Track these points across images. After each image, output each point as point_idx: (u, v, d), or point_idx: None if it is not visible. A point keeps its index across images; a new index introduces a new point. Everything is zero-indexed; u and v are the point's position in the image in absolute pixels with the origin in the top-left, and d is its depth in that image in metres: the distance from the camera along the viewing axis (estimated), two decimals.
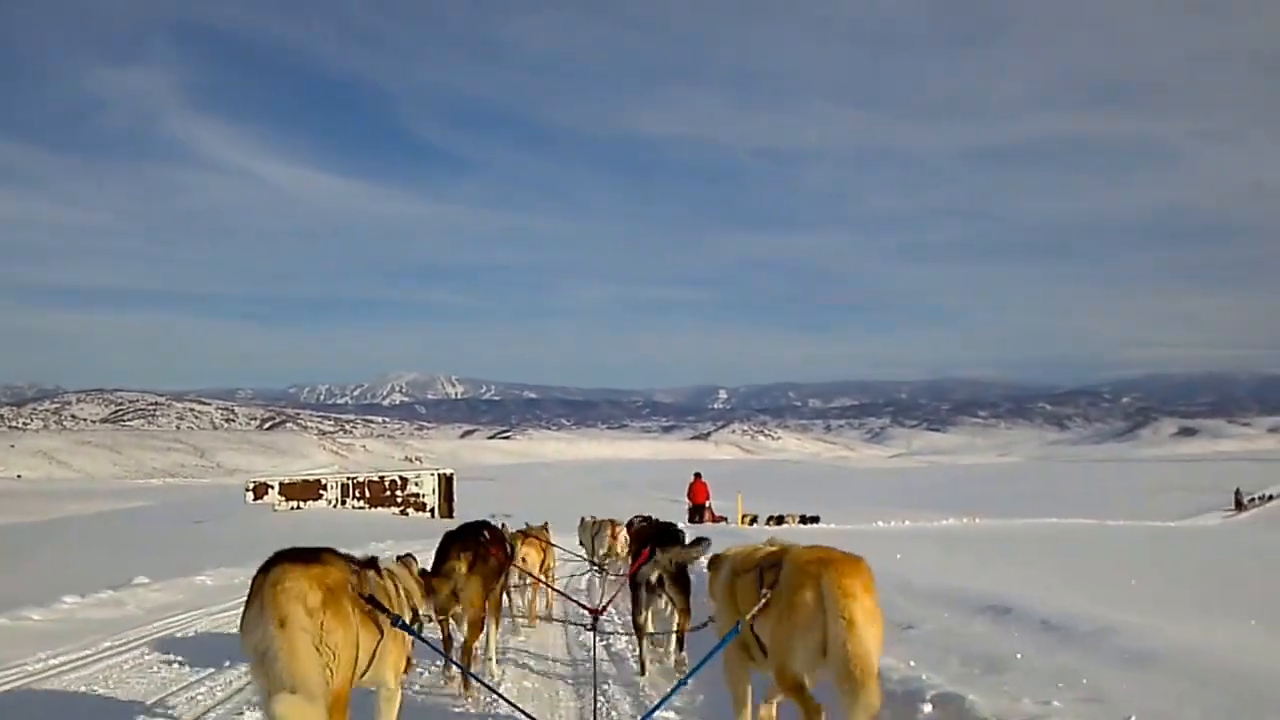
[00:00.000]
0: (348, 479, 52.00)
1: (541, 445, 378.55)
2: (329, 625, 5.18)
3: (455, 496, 52.90)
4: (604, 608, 10.64)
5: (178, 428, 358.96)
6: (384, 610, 5.74)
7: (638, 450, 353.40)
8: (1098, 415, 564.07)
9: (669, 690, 6.78)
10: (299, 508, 48.77)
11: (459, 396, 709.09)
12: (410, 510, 50.45)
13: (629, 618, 10.11)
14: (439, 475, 52.19)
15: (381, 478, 51.73)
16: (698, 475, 42.64)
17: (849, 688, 5.26)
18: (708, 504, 41.99)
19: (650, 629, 9.77)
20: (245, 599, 5.35)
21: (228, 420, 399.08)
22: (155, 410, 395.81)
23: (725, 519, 46.56)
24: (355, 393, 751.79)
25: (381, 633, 5.76)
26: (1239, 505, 78.24)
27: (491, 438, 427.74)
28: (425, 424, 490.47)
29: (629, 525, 14.99)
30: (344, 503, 49.97)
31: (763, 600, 5.93)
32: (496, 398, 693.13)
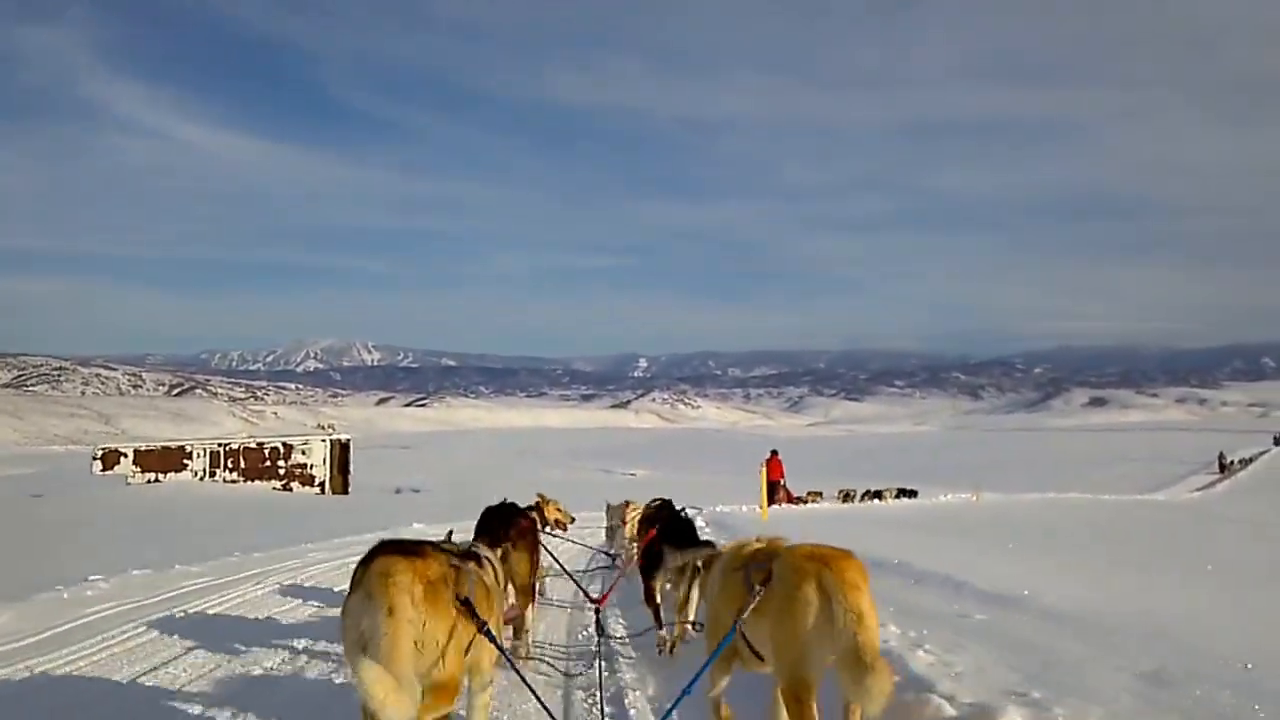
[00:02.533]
0: (219, 446, 43.40)
1: (459, 413, 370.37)
2: (431, 618, 5.19)
3: (352, 467, 45.43)
4: (604, 597, 10.24)
5: (83, 394, 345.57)
6: (474, 615, 5.55)
7: (557, 418, 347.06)
8: (1010, 385, 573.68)
9: (677, 698, 6.00)
10: (158, 480, 41.03)
11: (375, 364, 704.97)
12: (296, 484, 42.86)
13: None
14: (331, 442, 44.42)
15: (260, 445, 43.59)
16: (774, 452, 39.60)
17: (860, 676, 5.12)
18: (783, 482, 39.59)
19: (660, 601, 9.67)
20: (349, 587, 5.40)
21: (135, 386, 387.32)
22: (60, 375, 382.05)
23: (804, 499, 42.94)
24: (268, 359, 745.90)
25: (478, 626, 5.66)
26: (1223, 469, 76.10)
27: (408, 405, 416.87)
28: (340, 391, 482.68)
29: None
30: (213, 475, 42.06)
31: (755, 599, 5.81)
32: (414, 365, 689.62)
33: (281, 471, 42.65)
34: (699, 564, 8.43)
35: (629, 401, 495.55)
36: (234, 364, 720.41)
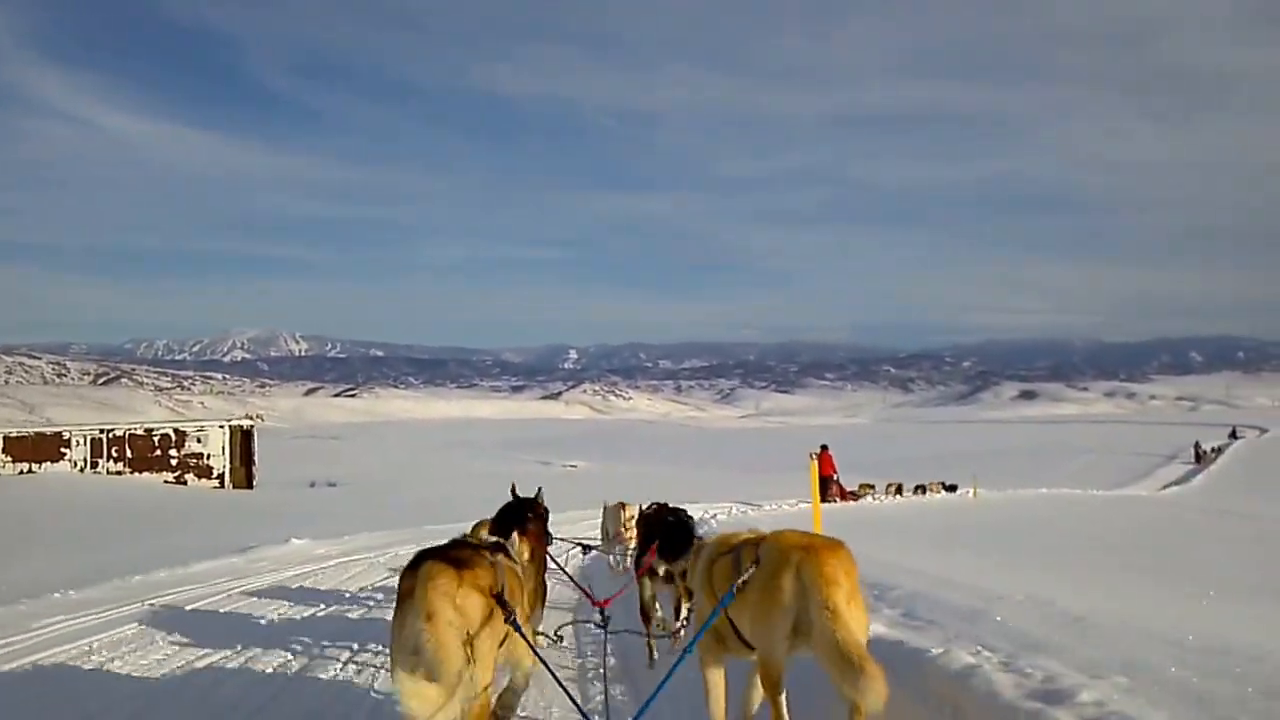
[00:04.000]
0: (101, 432, 37.27)
1: (388, 404, 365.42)
2: (474, 620, 5.22)
3: (257, 458, 39.75)
4: (610, 600, 9.34)
5: (5, 382, 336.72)
6: (505, 607, 5.50)
7: (487, 409, 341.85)
8: (940, 378, 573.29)
9: (662, 680, 5.73)
10: (31, 471, 35.18)
11: (303, 354, 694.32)
12: (191, 476, 37.16)
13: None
14: (231, 429, 38.70)
15: (149, 431, 37.65)
16: (824, 447, 38.21)
17: (848, 677, 5.00)
18: (835, 477, 38.83)
19: (659, 611, 9.59)
20: (396, 597, 5.45)
21: (59, 375, 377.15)
22: None
23: (857, 494, 41.37)
24: (195, 349, 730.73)
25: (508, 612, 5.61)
26: (1199, 458, 74.60)
27: (336, 396, 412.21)
28: (268, 381, 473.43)
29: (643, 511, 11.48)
30: (95, 465, 36.20)
31: (743, 578, 5.73)
32: (342, 355, 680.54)
33: (174, 462, 37.05)
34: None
35: (560, 393, 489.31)
36: (160, 353, 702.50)
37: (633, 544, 12.93)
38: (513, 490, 9.61)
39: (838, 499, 37.52)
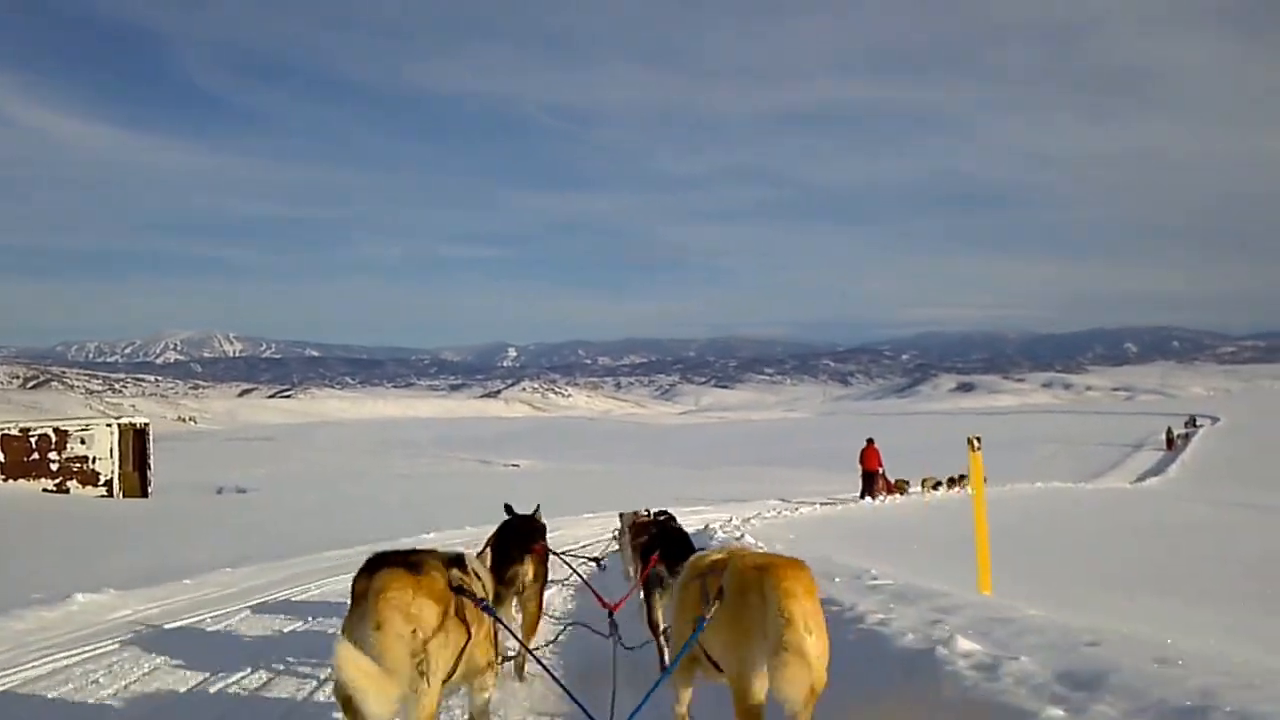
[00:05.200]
0: None
1: (324, 404, 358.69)
2: (425, 632, 5.13)
3: (152, 461, 34.66)
4: (622, 602, 9.23)
5: None
6: (474, 598, 5.62)
7: (425, 409, 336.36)
8: (879, 372, 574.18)
9: (646, 693, 5.67)
10: None
11: (237, 355, 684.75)
12: (74, 483, 32.01)
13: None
14: (121, 428, 33.51)
15: (25, 431, 32.21)
16: (870, 441, 38.49)
17: (777, 661, 5.00)
18: (881, 471, 38.33)
19: (663, 623, 8.79)
20: (350, 601, 5.34)
21: None
22: None
23: (903, 488, 40.38)
24: (126, 351, 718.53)
25: (469, 634, 5.58)
26: (1170, 445, 72.94)
27: (271, 397, 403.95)
28: (201, 383, 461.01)
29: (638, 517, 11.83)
30: None
31: (710, 613, 5.60)
32: (277, 356, 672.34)
33: (55, 467, 31.76)
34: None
35: (499, 391, 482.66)
36: (91, 355, 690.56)
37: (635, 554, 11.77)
38: (508, 510, 9.21)
39: (884, 494, 37.08)
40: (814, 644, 5.05)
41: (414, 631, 5.02)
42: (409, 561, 5.31)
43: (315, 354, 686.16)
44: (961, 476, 39.16)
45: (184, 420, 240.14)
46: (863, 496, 36.58)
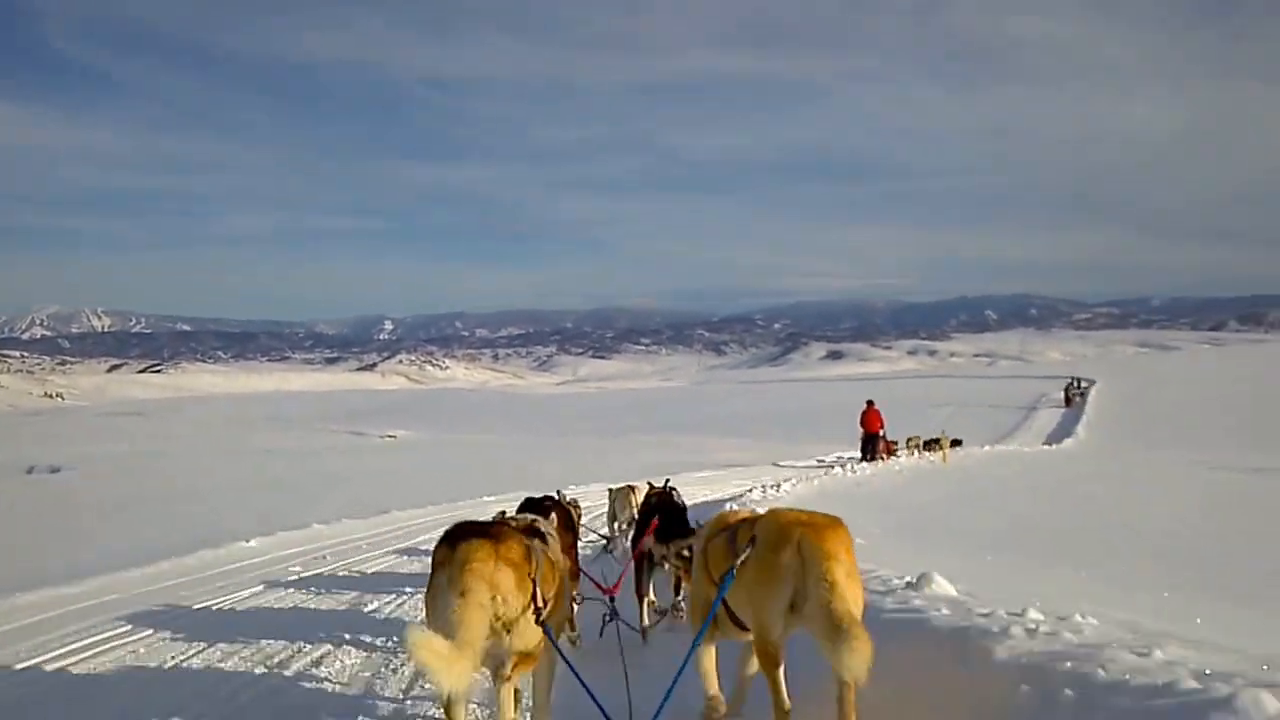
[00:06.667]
0: None
1: (197, 379, 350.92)
2: (509, 600, 5.30)
3: None
4: (618, 585, 9.22)
5: None
6: (536, 603, 5.54)
7: (301, 382, 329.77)
8: (752, 341, 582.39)
9: (672, 682, 5.63)
10: None
11: (106, 329, 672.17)
12: None
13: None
14: None
15: None
16: (870, 403, 38.20)
17: (837, 643, 4.93)
18: (882, 433, 37.79)
19: (652, 598, 9.62)
20: (431, 565, 5.49)
21: None
22: None
23: (893, 450, 38.74)
24: None
25: (545, 603, 5.69)
26: (1069, 402, 73.91)
27: (141, 371, 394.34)
28: (69, 358, 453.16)
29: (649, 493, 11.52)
30: None
31: (741, 558, 5.66)
32: (147, 330, 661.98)
33: None
34: (686, 551, 8.49)
35: (375, 364, 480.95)
36: None
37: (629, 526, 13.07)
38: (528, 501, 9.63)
39: (884, 455, 36.45)
40: (854, 600, 5.11)
41: (496, 599, 5.21)
42: (490, 531, 5.49)
43: (186, 328, 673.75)
44: (935, 440, 39.00)
45: (51, 396, 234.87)
46: (863, 458, 35.93)
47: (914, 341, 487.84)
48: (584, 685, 5.67)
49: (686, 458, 39.24)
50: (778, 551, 5.36)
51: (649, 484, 11.94)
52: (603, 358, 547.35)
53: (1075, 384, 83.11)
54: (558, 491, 12.11)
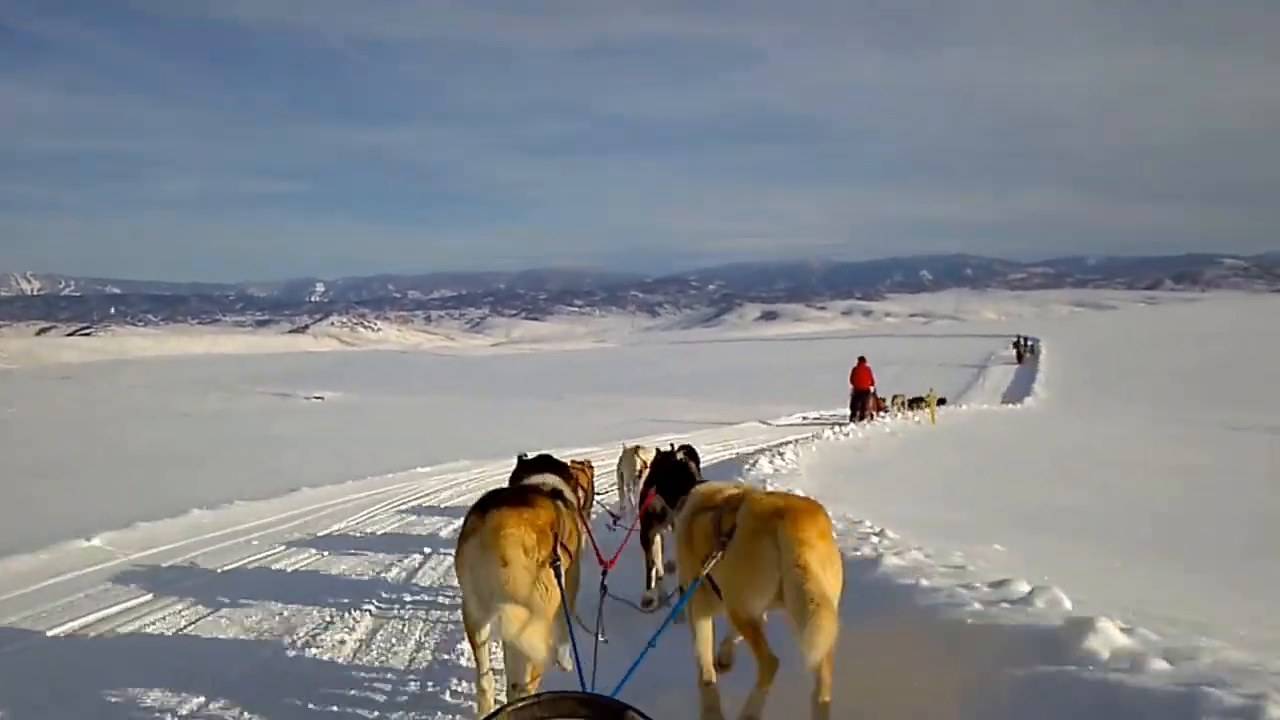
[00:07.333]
0: None
1: (127, 342, 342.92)
2: (540, 563, 5.48)
3: None
4: (615, 559, 8.27)
5: None
6: (556, 558, 5.70)
7: (232, 345, 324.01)
8: (686, 302, 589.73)
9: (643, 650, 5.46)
10: None
11: (35, 293, 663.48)
12: None
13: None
14: None
15: None
16: (861, 359, 37.47)
17: (803, 617, 4.96)
18: (872, 390, 37.21)
19: (659, 567, 9.40)
20: (461, 533, 5.76)
21: None
22: None
23: (882, 407, 38.27)
24: None
25: (571, 557, 6.10)
26: (1020, 358, 73.61)
27: (71, 335, 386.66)
28: None
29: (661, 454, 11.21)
30: None
31: (718, 554, 5.64)
32: (76, 294, 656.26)
33: None
34: None
35: (307, 326, 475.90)
36: None
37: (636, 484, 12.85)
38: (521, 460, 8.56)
39: (874, 413, 35.56)
40: (830, 586, 5.11)
41: (534, 562, 5.43)
42: (517, 500, 5.79)
43: (116, 291, 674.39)
44: (919, 399, 37.99)
45: None
46: (852, 416, 35.20)
47: (849, 302, 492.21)
48: (574, 654, 5.57)
49: (639, 420, 37.13)
50: (756, 540, 5.41)
51: (657, 448, 11.73)
52: (536, 319, 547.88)
53: (1023, 340, 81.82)
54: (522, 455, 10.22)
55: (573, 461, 11.02)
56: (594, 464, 14.17)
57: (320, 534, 13.78)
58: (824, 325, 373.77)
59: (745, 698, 5.60)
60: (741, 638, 5.90)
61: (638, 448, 13.83)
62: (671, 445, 11.51)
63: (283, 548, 12.77)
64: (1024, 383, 58.51)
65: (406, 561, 11.85)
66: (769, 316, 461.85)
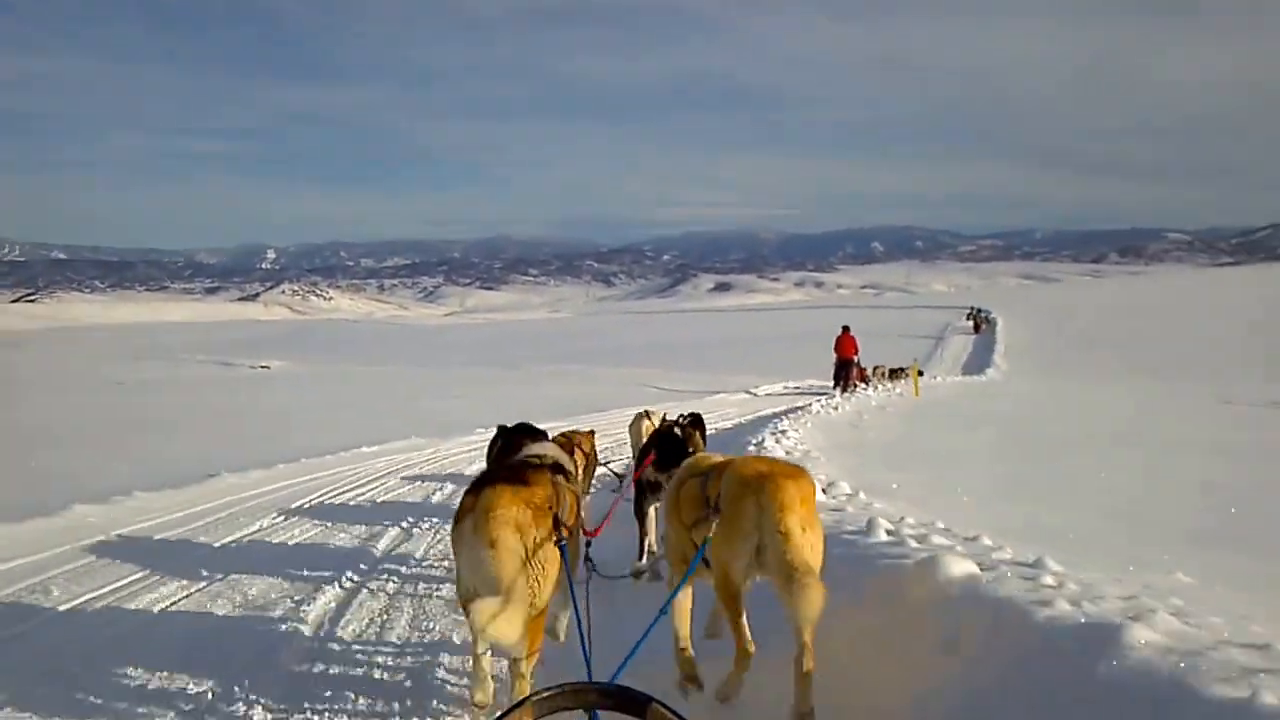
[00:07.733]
0: None
1: (72, 309, 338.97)
2: (537, 542, 5.35)
3: None
4: (599, 529, 7.97)
5: None
6: (558, 532, 5.54)
7: (180, 313, 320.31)
8: (641, 272, 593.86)
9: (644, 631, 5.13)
10: None
11: None
12: None
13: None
14: None
15: None
16: (845, 328, 37.17)
17: (790, 585, 5.05)
18: (856, 359, 36.93)
19: (653, 542, 9.21)
20: (456, 514, 5.56)
21: None
22: None
23: (866, 377, 37.85)
24: None
25: (569, 531, 5.88)
26: (977, 328, 72.84)
27: (15, 301, 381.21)
28: None
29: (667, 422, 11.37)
30: None
31: (711, 524, 5.55)
32: (20, 259, 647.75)
33: None
34: None
35: (258, 294, 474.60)
36: None
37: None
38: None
39: (858, 383, 35.20)
40: (811, 550, 5.17)
41: (525, 543, 5.25)
42: (513, 477, 5.57)
43: (62, 256, 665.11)
44: (900, 369, 38.17)
45: None
46: (836, 385, 34.90)
47: (801, 273, 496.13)
48: (581, 632, 5.19)
49: (608, 390, 36.00)
50: (739, 504, 5.42)
51: (664, 416, 11.75)
52: (490, 289, 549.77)
53: (977, 311, 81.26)
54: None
55: (575, 431, 10.93)
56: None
57: (218, 544, 10.35)
58: (776, 297, 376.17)
59: (723, 678, 5.62)
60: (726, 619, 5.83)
61: (646, 413, 13.51)
62: (680, 416, 11.05)
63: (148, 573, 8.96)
64: (983, 354, 58.01)
65: (318, 596, 8.20)
66: (722, 288, 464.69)
